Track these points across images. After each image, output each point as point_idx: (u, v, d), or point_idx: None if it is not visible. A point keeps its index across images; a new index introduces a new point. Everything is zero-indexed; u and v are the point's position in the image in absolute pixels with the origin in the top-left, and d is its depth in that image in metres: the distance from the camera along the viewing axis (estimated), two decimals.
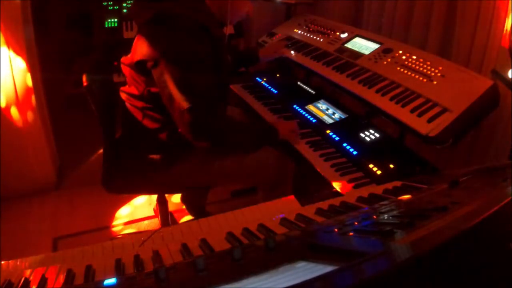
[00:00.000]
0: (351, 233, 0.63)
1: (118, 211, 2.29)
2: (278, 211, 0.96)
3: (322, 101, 1.87)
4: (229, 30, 1.54)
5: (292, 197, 1.04)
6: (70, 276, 0.72)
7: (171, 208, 1.92)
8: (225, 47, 1.54)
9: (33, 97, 2.24)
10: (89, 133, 1.91)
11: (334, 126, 1.68)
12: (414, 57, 1.61)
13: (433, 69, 1.51)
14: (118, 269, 0.74)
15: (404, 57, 1.64)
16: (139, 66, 1.39)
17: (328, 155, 1.51)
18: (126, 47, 1.50)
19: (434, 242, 0.49)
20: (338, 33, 2.00)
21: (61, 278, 0.71)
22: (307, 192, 1.76)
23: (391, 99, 1.47)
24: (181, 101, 1.31)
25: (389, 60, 1.66)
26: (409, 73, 1.55)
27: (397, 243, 0.53)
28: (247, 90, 2.09)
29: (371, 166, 1.42)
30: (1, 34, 2.01)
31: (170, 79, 1.31)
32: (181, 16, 1.35)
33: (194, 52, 1.35)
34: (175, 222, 2.12)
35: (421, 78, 1.50)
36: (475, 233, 0.53)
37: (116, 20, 2.62)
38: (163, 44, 1.34)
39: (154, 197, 1.94)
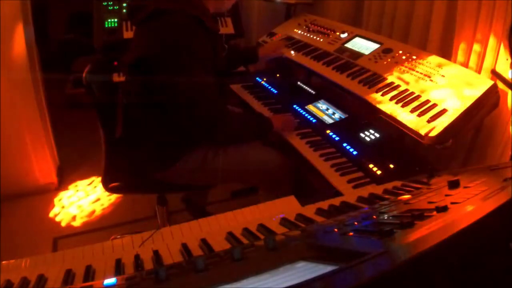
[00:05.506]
0: (351, 233, 0.63)
1: (118, 211, 2.29)
2: (278, 211, 0.96)
3: (322, 101, 1.87)
4: (229, 29, 1.55)
5: (292, 197, 1.04)
6: (70, 276, 0.72)
7: (171, 208, 1.92)
8: (220, 41, 1.55)
9: (33, 97, 2.24)
10: (89, 133, 1.91)
11: (334, 126, 1.68)
12: (414, 57, 1.61)
13: (433, 69, 1.51)
14: (118, 269, 0.74)
15: (404, 57, 1.64)
16: (138, 65, 1.39)
17: (328, 155, 1.51)
18: (126, 47, 1.51)
19: (434, 242, 0.49)
20: (338, 33, 2.00)
21: (61, 278, 0.71)
22: (307, 192, 1.76)
23: (391, 99, 1.47)
24: (183, 95, 1.32)
25: (389, 60, 1.66)
26: (409, 73, 1.55)
27: (397, 243, 0.53)
28: (247, 90, 2.09)
29: (371, 166, 1.42)
30: (1, 34, 2.01)
31: (170, 74, 1.32)
32: (177, 12, 1.36)
33: (192, 46, 1.35)
34: (175, 222, 2.11)
35: (421, 78, 1.50)
36: (475, 233, 0.53)
37: (116, 20, 2.61)
38: (161, 41, 1.34)
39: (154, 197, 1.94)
